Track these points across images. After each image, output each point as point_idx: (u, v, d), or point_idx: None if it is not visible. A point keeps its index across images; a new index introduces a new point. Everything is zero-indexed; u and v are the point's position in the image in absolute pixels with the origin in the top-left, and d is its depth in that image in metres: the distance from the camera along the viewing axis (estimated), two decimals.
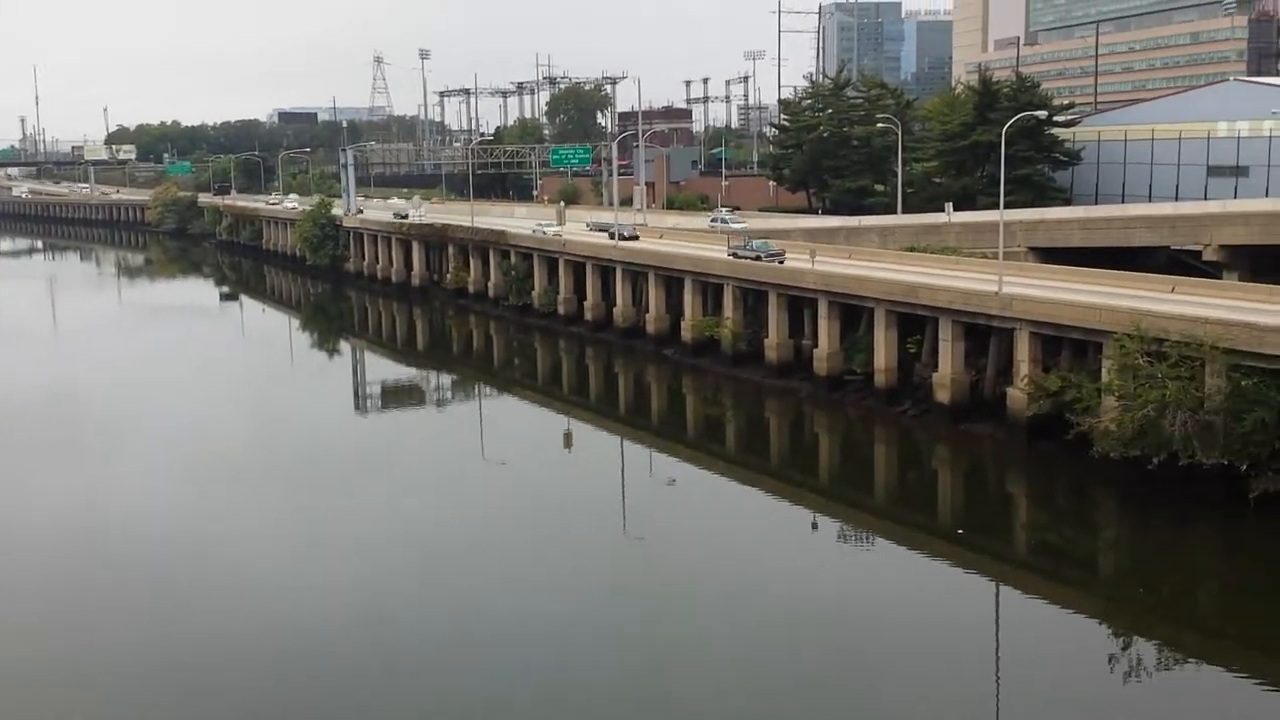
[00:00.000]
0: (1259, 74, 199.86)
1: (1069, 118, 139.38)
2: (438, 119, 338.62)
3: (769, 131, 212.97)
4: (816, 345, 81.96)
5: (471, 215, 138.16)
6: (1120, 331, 58.43)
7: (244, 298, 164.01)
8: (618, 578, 51.12)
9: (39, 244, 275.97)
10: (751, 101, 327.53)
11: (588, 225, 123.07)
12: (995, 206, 75.85)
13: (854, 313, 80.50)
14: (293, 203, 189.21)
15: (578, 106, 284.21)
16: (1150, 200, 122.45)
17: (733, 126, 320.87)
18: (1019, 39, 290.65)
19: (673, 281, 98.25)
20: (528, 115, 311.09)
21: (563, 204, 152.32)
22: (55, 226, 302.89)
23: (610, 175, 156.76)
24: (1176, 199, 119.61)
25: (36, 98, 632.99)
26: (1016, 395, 65.90)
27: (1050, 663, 41.98)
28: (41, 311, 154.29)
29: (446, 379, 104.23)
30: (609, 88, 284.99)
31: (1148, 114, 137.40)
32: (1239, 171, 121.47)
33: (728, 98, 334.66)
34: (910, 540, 56.14)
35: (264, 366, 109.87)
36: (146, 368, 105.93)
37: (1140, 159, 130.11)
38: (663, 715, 38.80)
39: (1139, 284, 70.65)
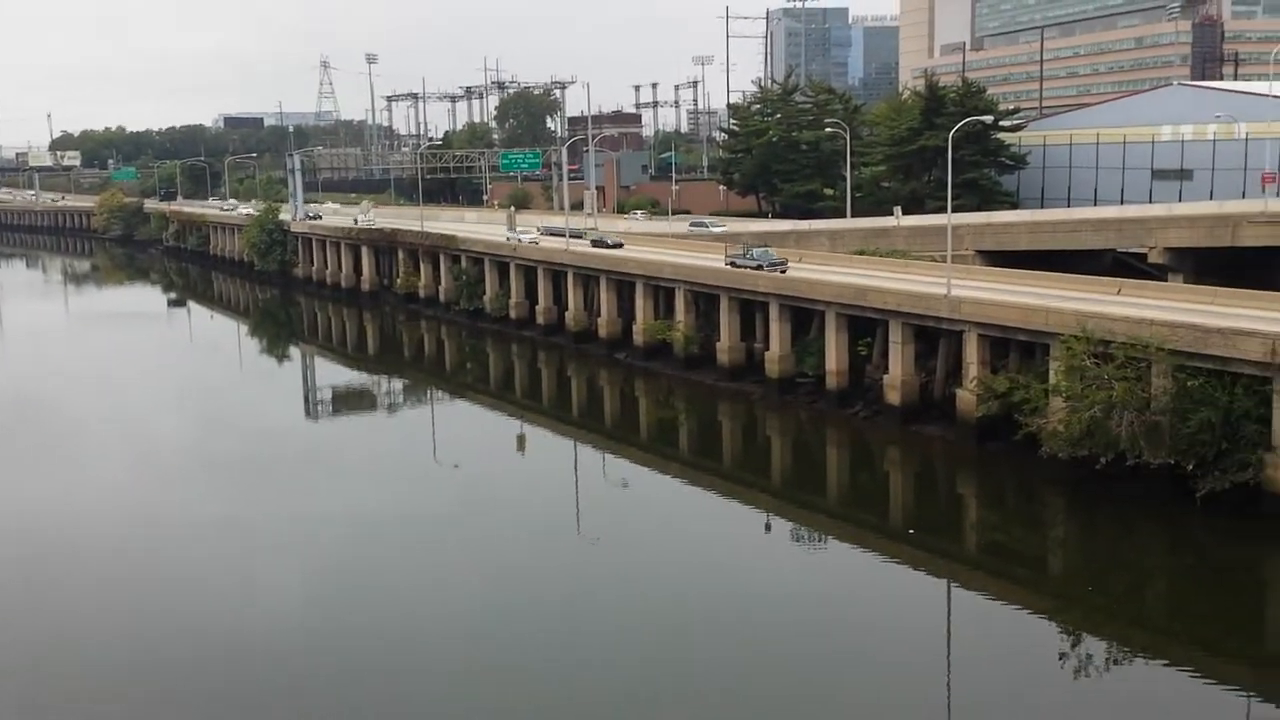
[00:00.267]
0: (1202, 78, 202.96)
1: (1015, 122, 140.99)
2: (386, 124, 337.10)
3: (718, 136, 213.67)
4: (768, 348, 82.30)
5: (421, 220, 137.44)
6: (1067, 333, 59.10)
7: (192, 304, 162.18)
8: (572, 578, 51.03)
9: None
10: (701, 106, 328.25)
11: (538, 230, 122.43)
12: (943, 210, 76.59)
13: (805, 316, 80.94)
14: (247, 209, 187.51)
15: (527, 111, 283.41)
16: (1095, 204, 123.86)
17: (682, 131, 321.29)
18: (965, 44, 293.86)
19: (624, 285, 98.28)
20: (477, 120, 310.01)
21: (513, 208, 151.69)
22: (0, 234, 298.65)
23: (561, 180, 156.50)
24: (1122, 202, 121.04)
25: None
26: (966, 396, 66.49)
27: (1001, 661, 42.39)
28: None
29: (398, 384, 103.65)
30: (558, 92, 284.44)
31: (1093, 118, 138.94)
32: (1183, 175, 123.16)
33: (677, 102, 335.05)
34: (862, 540, 56.49)
35: (213, 372, 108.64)
36: (93, 374, 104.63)
37: (1085, 163, 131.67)
38: (613, 713, 38.81)
39: (1085, 286, 71.44)
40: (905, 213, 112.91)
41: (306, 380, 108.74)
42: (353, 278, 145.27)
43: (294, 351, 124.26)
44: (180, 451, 75.28)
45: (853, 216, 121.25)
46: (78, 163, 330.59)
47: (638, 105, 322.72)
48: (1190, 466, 53.61)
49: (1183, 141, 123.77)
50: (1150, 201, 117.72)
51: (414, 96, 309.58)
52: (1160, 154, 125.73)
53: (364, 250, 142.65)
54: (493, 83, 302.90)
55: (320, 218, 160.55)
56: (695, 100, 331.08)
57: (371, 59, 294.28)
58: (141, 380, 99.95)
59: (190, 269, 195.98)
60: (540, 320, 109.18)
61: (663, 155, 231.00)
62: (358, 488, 65.39)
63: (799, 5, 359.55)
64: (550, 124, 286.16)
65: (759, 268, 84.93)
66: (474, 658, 42.78)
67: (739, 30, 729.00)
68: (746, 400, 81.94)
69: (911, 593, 49.68)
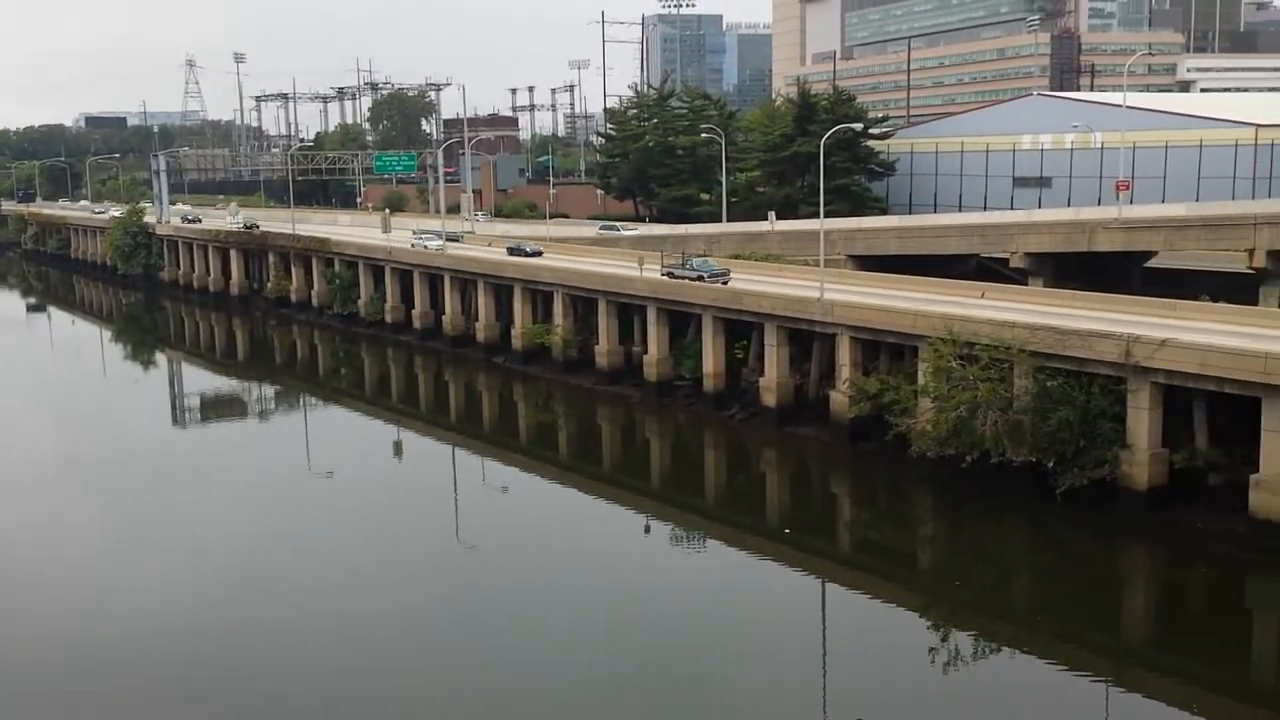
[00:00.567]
0: (1061, 88, 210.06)
1: (884, 130, 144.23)
2: (255, 124, 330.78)
3: (595, 140, 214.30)
4: (646, 351, 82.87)
5: (292, 222, 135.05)
6: (934, 336, 60.66)
7: (52, 309, 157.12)
8: (448, 585, 50.81)
9: None
10: (578, 110, 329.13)
11: (414, 233, 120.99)
12: (816, 215, 77.93)
13: (683, 319, 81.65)
14: (117, 210, 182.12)
15: (401, 113, 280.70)
16: (960, 210, 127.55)
17: (559, 135, 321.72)
18: (835, 53, 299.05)
19: (501, 289, 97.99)
20: (350, 121, 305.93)
21: (387, 211, 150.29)
22: None
23: (436, 183, 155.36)
24: (985, 208, 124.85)
25: None
26: (839, 398, 67.83)
27: (873, 656, 43.42)
28: None
29: (269, 390, 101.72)
30: (433, 94, 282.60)
31: (957, 127, 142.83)
32: (1043, 182, 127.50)
33: (554, 106, 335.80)
34: (739, 540, 57.26)
35: (75, 379, 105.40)
36: None
37: (951, 170, 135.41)
38: (491, 715, 38.89)
39: (951, 290, 73.45)
40: (779, 218, 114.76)
41: (173, 387, 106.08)
42: (221, 281, 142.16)
43: (160, 357, 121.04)
44: (36, 462, 72.75)
45: (728, 221, 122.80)
46: None
47: (514, 108, 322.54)
48: (1051, 464, 55.42)
49: (1042, 150, 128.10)
50: (1011, 208, 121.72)
51: (284, 97, 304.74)
52: (1021, 162, 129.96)
53: (233, 253, 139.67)
54: (366, 84, 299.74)
55: (200, 220, 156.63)
56: (572, 104, 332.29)
57: (240, 58, 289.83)
58: None
59: (50, 272, 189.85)
60: (417, 324, 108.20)
61: (540, 159, 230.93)
62: (226, 496, 64.03)
63: (674, 11, 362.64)
64: (425, 126, 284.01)
65: (699, 278, 79.66)
66: (345, 668, 41.78)
67: (615, 35, 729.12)
68: (625, 403, 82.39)
69: (788, 591, 50.57)
